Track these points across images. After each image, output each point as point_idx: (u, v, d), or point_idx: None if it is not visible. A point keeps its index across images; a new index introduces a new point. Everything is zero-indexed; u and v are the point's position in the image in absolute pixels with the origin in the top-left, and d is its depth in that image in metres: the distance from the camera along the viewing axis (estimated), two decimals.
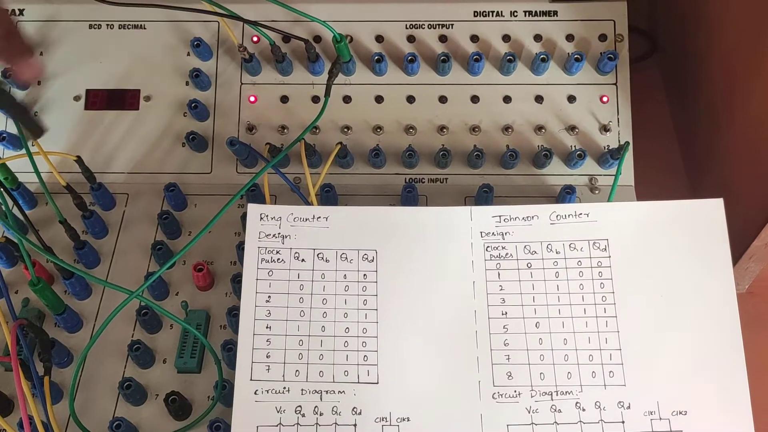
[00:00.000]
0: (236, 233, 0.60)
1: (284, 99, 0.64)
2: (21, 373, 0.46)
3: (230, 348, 0.52)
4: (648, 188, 0.61)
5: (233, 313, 0.53)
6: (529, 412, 0.47)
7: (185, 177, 0.63)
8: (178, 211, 0.61)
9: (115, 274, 0.58)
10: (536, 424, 0.47)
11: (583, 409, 0.47)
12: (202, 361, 0.54)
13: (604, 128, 0.62)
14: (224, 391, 0.50)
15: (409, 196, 0.58)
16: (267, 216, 0.51)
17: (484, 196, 0.58)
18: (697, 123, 0.68)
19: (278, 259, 0.50)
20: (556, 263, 0.50)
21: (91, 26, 0.66)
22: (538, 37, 0.64)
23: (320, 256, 0.51)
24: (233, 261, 0.58)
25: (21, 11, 0.66)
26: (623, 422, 0.47)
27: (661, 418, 0.46)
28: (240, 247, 0.56)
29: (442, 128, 0.63)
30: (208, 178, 0.63)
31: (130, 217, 0.61)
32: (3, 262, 0.58)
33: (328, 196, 0.58)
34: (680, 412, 0.47)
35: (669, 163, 0.72)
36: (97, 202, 0.61)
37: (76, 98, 0.65)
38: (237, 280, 0.54)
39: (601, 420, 0.47)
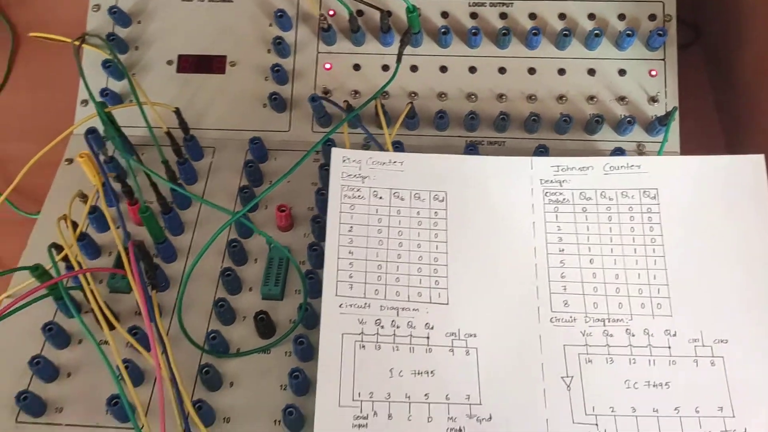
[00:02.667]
0: (312, 183, 0.66)
1: (356, 67, 0.71)
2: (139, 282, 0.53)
3: (312, 277, 0.58)
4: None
5: (313, 248, 0.59)
6: (583, 335, 0.52)
7: (266, 135, 0.69)
8: (260, 162, 0.68)
9: (204, 214, 0.65)
10: (590, 346, 0.52)
11: (633, 335, 0.52)
12: (284, 289, 0.60)
13: (653, 99, 0.67)
14: (307, 313, 0.56)
15: (471, 155, 0.64)
16: (349, 159, 0.58)
17: (541, 155, 0.64)
18: (738, 107, 0.73)
19: (359, 196, 0.56)
20: (609, 208, 0.56)
21: None
22: (591, 16, 0.69)
23: (396, 194, 0.57)
24: (310, 207, 0.65)
25: None
26: (669, 347, 0.52)
27: (704, 345, 0.51)
28: (318, 193, 0.62)
29: (501, 96, 0.69)
30: (286, 135, 0.70)
31: (217, 167, 0.68)
32: (108, 201, 0.65)
33: (398, 151, 0.64)
34: (722, 341, 0.51)
35: (712, 144, 0.77)
36: (188, 152, 0.68)
37: (169, 62, 0.72)
38: (316, 221, 0.60)
39: (649, 345, 0.52)
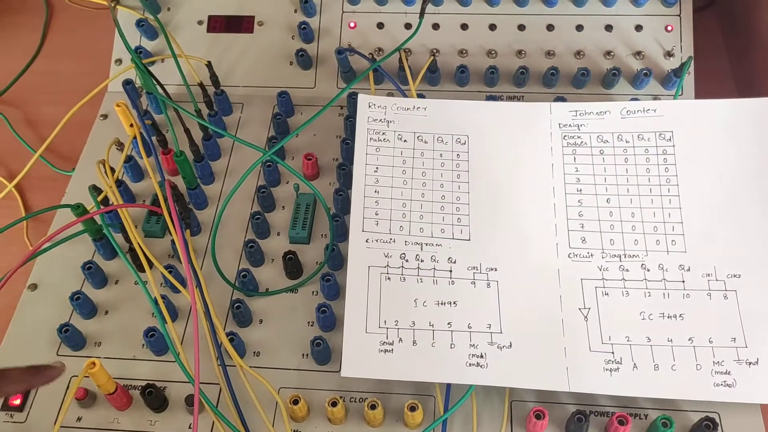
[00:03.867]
0: (337, 135, 0.68)
1: (380, 25, 0.73)
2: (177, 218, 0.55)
3: (338, 220, 0.60)
4: None
5: (339, 193, 0.61)
6: (600, 270, 0.54)
7: (293, 91, 0.71)
8: (287, 116, 0.70)
9: (234, 164, 0.68)
10: (606, 280, 0.54)
11: (648, 270, 0.54)
12: (311, 233, 0.62)
13: (668, 54, 0.69)
14: (333, 253, 0.59)
15: None
16: (374, 105, 0.60)
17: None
18: (751, 63, 0.74)
19: (384, 138, 0.59)
20: (625, 150, 0.58)
21: None
22: None
23: (420, 138, 0.59)
24: (335, 157, 0.67)
25: None
26: (683, 281, 0.53)
27: (717, 279, 0.53)
28: (344, 143, 0.64)
29: (520, 52, 0.70)
30: (312, 92, 0.72)
31: (246, 120, 0.71)
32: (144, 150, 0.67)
33: None
34: (734, 275, 0.53)
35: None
36: (219, 106, 0.70)
37: (200, 22, 0.75)
38: (342, 168, 0.63)
39: (664, 279, 0.54)
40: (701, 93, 0.68)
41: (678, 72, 0.66)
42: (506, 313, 0.52)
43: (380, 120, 0.59)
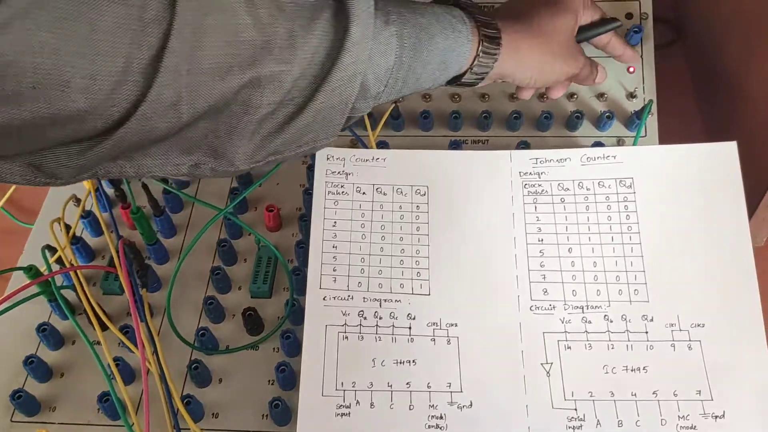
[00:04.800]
0: (300, 184, 0.68)
1: None
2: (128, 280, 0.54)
3: (298, 273, 0.59)
4: None
5: (300, 245, 0.60)
6: (562, 323, 0.53)
7: None
8: None
9: (195, 217, 0.67)
10: (569, 333, 0.53)
11: (611, 321, 0.53)
12: (272, 287, 0.61)
13: (631, 95, 0.69)
14: (293, 309, 0.58)
15: None
16: (333, 157, 0.59)
17: (521, 149, 0.65)
18: (717, 97, 0.74)
19: (342, 192, 0.58)
20: (586, 198, 0.57)
21: None
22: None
23: (379, 190, 0.58)
24: (298, 207, 0.66)
25: None
26: (647, 332, 0.53)
27: (681, 329, 0.52)
28: (306, 193, 0.63)
29: (483, 95, 0.70)
30: None
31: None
32: (101, 206, 0.67)
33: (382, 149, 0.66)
34: (698, 325, 0.52)
35: (693, 138, 0.78)
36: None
37: None
38: (303, 220, 0.62)
39: (627, 330, 0.53)
40: (666, 131, 0.68)
41: (640, 114, 0.66)
42: (467, 371, 0.51)
43: (339, 172, 0.59)
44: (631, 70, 0.69)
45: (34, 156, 0.39)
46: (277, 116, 0.44)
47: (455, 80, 0.53)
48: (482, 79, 0.53)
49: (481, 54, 0.51)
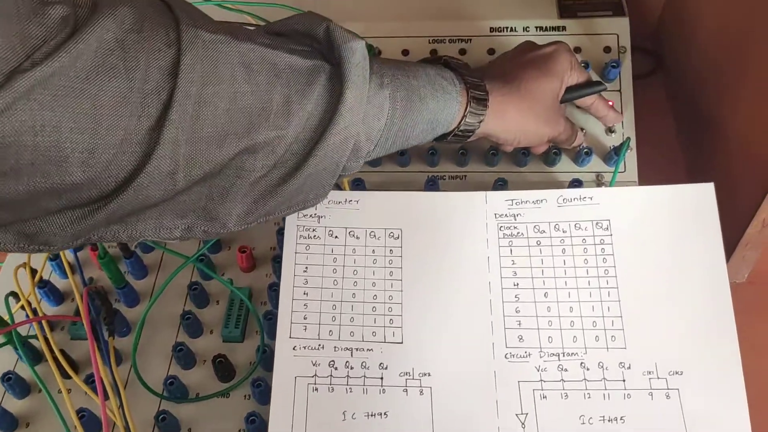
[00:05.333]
0: (275, 223, 0.66)
1: None
2: (91, 332, 0.53)
3: (270, 318, 0.58)
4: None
5: (273, 288, 0.59)
6: (538, 371, 0.52)
7: None
8: None
9: (167, 257, 0.65)
10: (545, 381, 0.52)
11: (587, 369, 0.52)
12: (245, 331, 0.60)
13: (610, 130, 0.68)
14: (265, 355, 0.56)
15: (432, 190, 0.65)
16: None
17: (499, 188, 0.64)
18: (696, 130, 0.74)
19: (314, 236, 0.57)
20: (562, 241, 0.56)
21: None
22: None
23: (351, 233, 0.57)
24: (272, 247, 0.65)
25: None
26: (624, 380, 0.51)
27: (659, 377, 0.51)
28: (279, 233, 0.62)
29: None
30: None
31: None
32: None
33: (359, 188, 0.65)
34: (676, 372, 0.51)
35: (673, 170, 0.77)
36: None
37: None
38: (277, 261, 0.61)
39: (604, 378, 0.52)
40: (646, 162, 0.67)
41: (618, 150, 0.65)
42: (440, 423, 0.50)
43: (311, 215, 0.57)
44: (610, 104, 0.68)
45: (27, 224, 0.39)
46: (270, 179, 0.45)
47: (442, 137, 0.55)
48: (468, 137, 0.55)
49: (468, 115, 0.53)
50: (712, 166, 0.70)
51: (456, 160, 0.68)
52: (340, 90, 0.44)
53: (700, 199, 0.55)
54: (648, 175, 0.67)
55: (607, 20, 0.71)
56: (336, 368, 0.52)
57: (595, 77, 0.69)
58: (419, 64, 0.53)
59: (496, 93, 0.55)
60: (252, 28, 0.49)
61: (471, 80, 0.54)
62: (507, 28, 0.71)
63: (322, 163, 0.45)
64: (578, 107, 0.67)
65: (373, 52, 0.68)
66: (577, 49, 0.70)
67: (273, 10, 0.71)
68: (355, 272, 0.56)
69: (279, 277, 0.60)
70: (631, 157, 0.67)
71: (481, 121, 0.54)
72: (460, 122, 0.53)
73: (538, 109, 0.57)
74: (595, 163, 0.67)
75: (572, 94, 0.62)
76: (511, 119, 0.56)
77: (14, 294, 0.58)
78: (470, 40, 0.72)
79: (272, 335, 0.57)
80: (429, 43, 0.72)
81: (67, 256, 0.62)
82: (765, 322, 0.65)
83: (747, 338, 0.53)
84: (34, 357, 0.58)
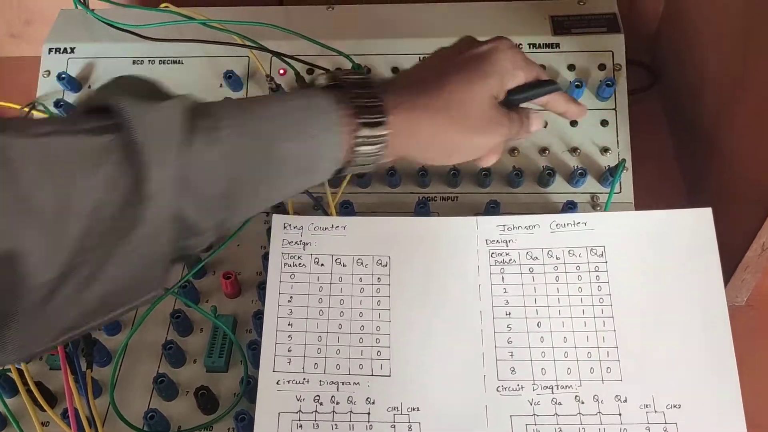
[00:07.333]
0: (262, 246, 0.65)
1: None
2: (67, 366, 0.51)
3: (255, 347, 0.56)
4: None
5: (258, 316, 0.57)
6: (531, 404, 0.50)
7: None
8: None
9: None
10: (538, 416, 0.50)
11: (582, 402, 0.50)
12: (229, 361, 0.58)
13: (604, 150, 0.66)
14: (249, 387, 0.55)
15: (422, 212, 0.63)
16: (290, 225, 0.56)
17: (491, 211, 0.62)
18: (694, 148, 0.72)
19: (299, 263, 0.55)
20: (556, 268, 0.54)
21: (134, 62, 0.73)
22: (541, 67, 0.69)
23: (338, 261, 0.55)
24: (259, 272, 0.63)
25: (72, 50, 0.73)
26: (620, 414, 0.50)
27: (656, 411, 0.49)
28: (265, 258, 0.60)
29: None
30: None
31: None
32: None
33: (347, 211, 0.63)
34: (674, 406, 0.50)
35: (670, 189, 0.76)
36: None
37: None
38: (262, 287, 0.59)
39: (599, 412, 0.50)
40: (642, 180, 0.65)
41: (613, 171, 0.64)
42: None
43: (296, 242, 0.56)
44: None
45: None
46: (64, 291, 0.36)
47: (338, 173, 0.46)
48: (372, 165, 0.46)
49: (359, 144, 0.44)
50: (711, 187, 0.68)
51: (447, 181, 0.67)
52: (139, 170, 0.36)
53: (697, 224, 0.54)
54: (644, 195, 0.65)
55: (601, 37, 0.69)
56: (321, 403, 0.50)
57: (589, 96, 0.68)
58: (283, 96, 0.44)
59: (404, 108, 0.46)
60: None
61: (361, 102, 0.44)
62: None
63: (132, 260, 0.37)
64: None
65: (363, 72, 0.66)
66: (571, 67, 0.69)
67: (261, 29, 0.70)
68: (342, 302, 0.54)
69: (264, 304, 0.59)
70: (626, 178, 0.65)
71: (383, 147, 0.45)
72: (352, 154, 0.45)
73: (469, 121, 0.48)
74: (590, 184, 0.66)
75: (519, 95, 0.53)
76: (427, 136, 0.48)
77: None
78: None
79: (257, 365, 0.55)
80: (420, 60, 0.70)
81: None
82: (764, 345, 0.64)
83: (746, 362, 0.52)
84: (10, 389, 0.56)
